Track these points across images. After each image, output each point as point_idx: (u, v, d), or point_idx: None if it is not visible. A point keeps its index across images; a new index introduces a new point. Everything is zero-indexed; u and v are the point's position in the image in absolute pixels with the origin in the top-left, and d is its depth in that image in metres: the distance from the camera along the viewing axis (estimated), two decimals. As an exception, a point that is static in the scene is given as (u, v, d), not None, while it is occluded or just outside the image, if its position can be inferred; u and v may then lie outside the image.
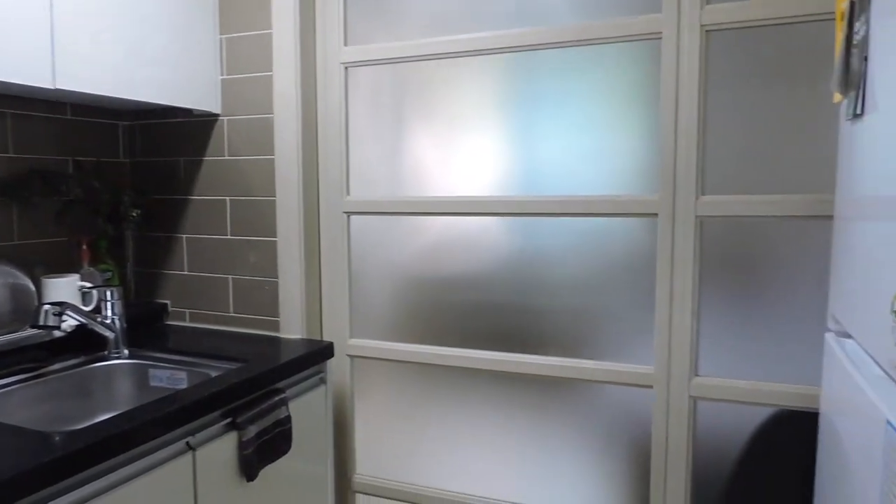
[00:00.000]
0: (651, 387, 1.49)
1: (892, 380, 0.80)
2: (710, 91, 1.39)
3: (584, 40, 1.48)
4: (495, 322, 1.65)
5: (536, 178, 1.58)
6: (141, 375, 1.63)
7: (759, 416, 1.44)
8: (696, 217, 1.41)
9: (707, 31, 1.37)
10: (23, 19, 1.29)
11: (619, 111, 1.48)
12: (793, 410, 1.40)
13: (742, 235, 1.41)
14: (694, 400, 1.46)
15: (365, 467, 1.85)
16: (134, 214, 1.83)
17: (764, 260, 1.40)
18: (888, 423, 0.77)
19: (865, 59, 0.96)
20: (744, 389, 1.41)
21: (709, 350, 1.46)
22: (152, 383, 1.62)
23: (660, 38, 1.41)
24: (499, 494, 1.69)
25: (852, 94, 1.01)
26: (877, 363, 0.89)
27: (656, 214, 1.45)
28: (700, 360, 1.46)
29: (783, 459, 1.43)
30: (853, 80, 1.00)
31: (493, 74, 1.60)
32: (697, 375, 1.46)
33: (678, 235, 1.43)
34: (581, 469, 1.60)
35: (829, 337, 1.18)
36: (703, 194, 1.41)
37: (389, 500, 1.82)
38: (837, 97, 1.12)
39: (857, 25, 1.01)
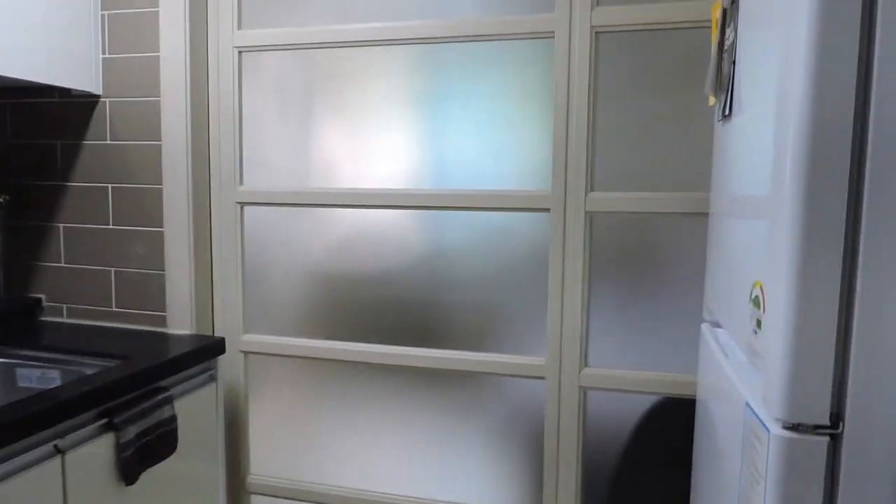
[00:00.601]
0: (543, 378, 1.52)
1: (752, 365, 0.86)
2: (599, 91, 1.44)
3: (481, 35, 1.50)
4: (397, 317, 1.64)
5: (440, 172, 1.58)
6: (7, 375, 1.50)
7: (644, 403, 1.51)
8: (586, 212, 1.46)
9: (597, 32, 1.41)
10: None
11: (520, 108, 1.51)
12: (675, 398, 1.47)
13: (629, 231, 1.47)
14: (584, 390, 1.51)
15: (260, 467, 1.79)
16: (2, 200, 1.68)
17: (650, 254, 1.46)
18: (747, 404, 0.82)
19: (734, 63, 1.02)
20: (630, 379, 1.47)
21: (598, 341, 1.51)
22: (20, 384, 1.50)
23: (553, 37, 1.44)
24: (397, 490, 1.68)
25: (722, 96, 1.07)
26: (741, 350, 0.95)
27: (549, 209, 1.48)
28: (589, 352, 1.51)
29: (667, 445, 1.50)
30: (723, 83, 1.06)
31: (400, 67, 1.59)
32: (587, 366, 1.51)
33: (569, 230, 1.47)
34: (478, 461, 1.62)
35: (704, 327, 1.25)
36: (593, 190, 1.46)
37: (287, 500, 1.78)
38: (712, 100, 1.18)
39: (727, 32, 1.07)
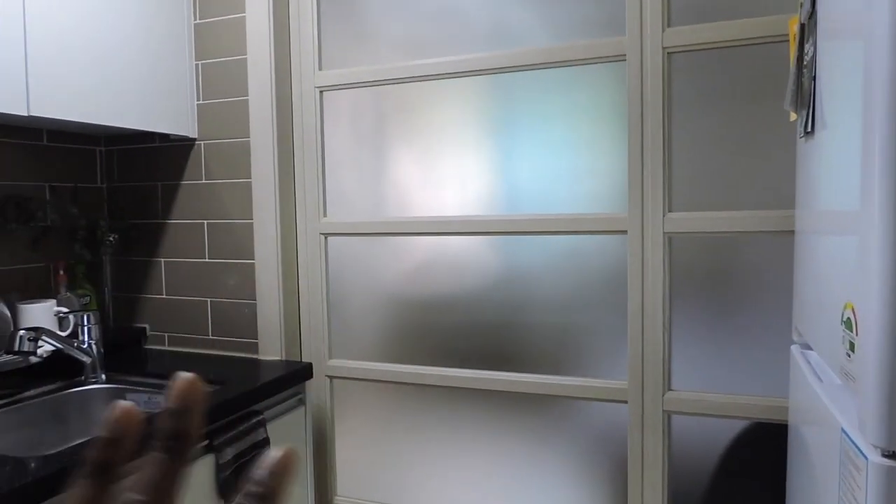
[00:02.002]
0: (626, 402, 1.51)
1: (847, 389, 0.83)
2: (674, 110, 1.43)
3: (552, 63, 1.52)
4: (476, 341, 1.67)
5: (512, 197, 1.61)
6: (118, 400, 1.62)
7: (733, 428, 1.46)
8: (665, 233, 1.44)
9: (669, 52, 1.41)
10: (-3, 48, 1.31)
11: (592, 130, 1.52)
12: (765, 422, 1.42)
13: (711, 251, 1.44)
14: (668, 414, 1.48)
15: (345, 489, 1.84)
16: (111, 239, 1.84)
17: (733, 274, 1.43)
18: (843, 431, 0.80)
19: (814, 78, 1.00)
20: (716, 403, 1.43)
21: (681, 364, 1.48)
22: (129, 408, 1.61)
23: (624, 60, 1.45)
24: (479, 513, 1.69)
25: (803, 112, 1.05)
26: (834, 373, 0.91)
27: (626, 231, 1.48)
28: (673, 375, 1.48)
29: (757, 471, 1.44)
30: (804, 98, 1.04)
31: (470, 95, 1.64)
32: (671, 390, 1.48)
33: (647, 252, 1.46)
34: (560, 485, 1.61)
35: (794, 349, 1.20)
36: (671, 211, 1.44)
37: (371, 522, 1.82)
38: (793, 116, 1.16)
39: (806, 47, 1.05)
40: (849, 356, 0.79)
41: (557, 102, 1.54)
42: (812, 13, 1.02)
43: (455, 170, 1.66)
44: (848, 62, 0.83)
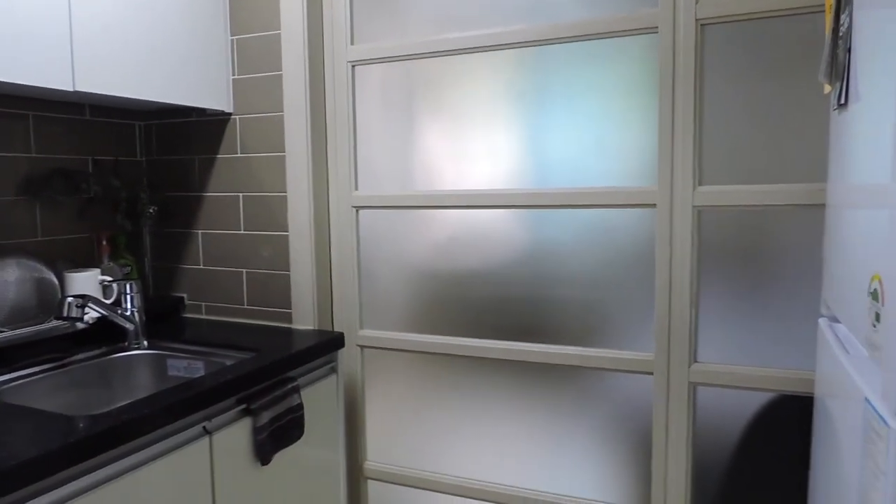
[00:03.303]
0: (651, 373, 1.53)
1: (872, 360, 0.84)
2: (706, 83, 1.42)
3: (584, 35, 1.52)
4: (504, 313, 1.70)
5: (541, 170, 1.62)
6: (159, 365, 1.70)
7: (758, 401, 1.47)
8: (694, 207, 1.44)
9: (702, 24, 1.40)
10: (43, 24, 1.36)
11: (622, 104, 1.52)
12: (791, 395, 1.43)
13: (741, 224, 1.44)
14: (693, 386, 1.50)
15: (376, 455, 1.90)
16: (151, 211, 1.90)
17: (762, 248, 1.43)
18: (866, 400, 0.81)
19: (849, 50, 0.99)
20: (742, 375, 1.44)
21: (708, 337, 1.49)
22: (170, 373, 1.69)
23: (656, 33, 1.44)
24: (507, 480, 1.74)
25: (837, 84, 1.04)
26: (860, 344, 0.92)
27: (655, 205, 1.48)
28: (699, 347, 1.49)
29: (783, 443, 1.46)
30: (838, 70, 1.03)
31: (500, 69, 1.64)
32: (697, 362, 1.49)
33: (676, 225, 1.46)
34: (586, 454, 1.65)
35: (822, 322, 1.21)
36: (701, 185, 1.45)
37: (400, 486, 1.88)
38: (827, 88, 1.15)
39: (842, 17, 1.04)
40: (874, 326, 0.80)
41: (588, 75, 1.55)
42: (848, -17, 1.01)
43: (484, 143, 1.67)
44: (884, 33, 0.82)
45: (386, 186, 1.80)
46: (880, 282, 0.78)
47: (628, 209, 1.52)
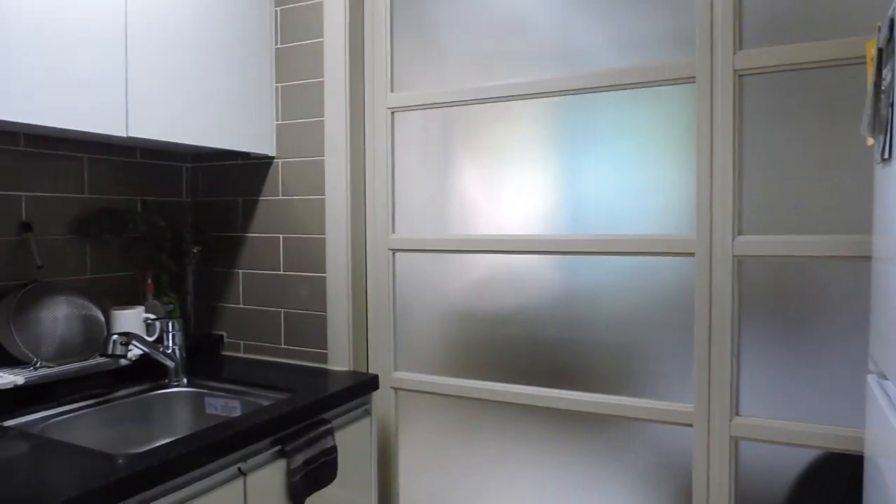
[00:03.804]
0: (691, 425, 1.49)
1: (923, 423, 0.80)
2: (745, 132, 1.42)
3: (620, 85, 1.53)
4: (538, 357, 1.69)
5: (577, 215, 1.63)
6: (198, 403, 1.72)
7: (804, 458, 1.42)
8: (734, 256, 1.42)
9: (740, 75, 1.40)
10: (101, 72, 1.43)
11: (661, 150, 1.52)
12: (839, 453, 1.37)
13: (783, 275, 1.41)
14: (735, 440, 1.45)
15: (408, 498, 1.89)
16: (195, 251, 1.95)
17: (805, 299, 1.40)
18: (918, 466, 0.78)
19: (892, 105, 0.98)
20: (787, 430, 1.40)
21: (750, 390, 1.45)
22: (208, 411, 1.71)
23: (694, 82, 1.45)
24: (539, 530, 1.70)
25: (881, 138, 1.03)
26: (911, 406, 0.89)
27: (693, 254, 1.47)
28: (741, 400, 1.45)
29: (831, 503, 1.40)
30: (881, 124, 1.02)
31: (536, 115, 1.67)
32: (738, 415, 1.45)
33: (716, 274, 1.44)
34: (621, 507, 1.60)
35: (871, 379, 1.17)
36: (741, 234, 1.43)
37: (432, 533, 1.85)
38: (870, 140, 1.13)
39: (884, 72, 1.03)
40: (925, 390, 0.77)
41: (626, 120, 1.55)
42: (890, 38, 1.00)
43: (521, 188, 1.69)
44: (928, 89, 0.81)
45: (423, 229, 1.82)
46: (930, 344, 0.75)
47: (667, 257, 1.51)
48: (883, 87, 1.03)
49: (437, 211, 1.80)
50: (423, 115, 1.81)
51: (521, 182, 1.68)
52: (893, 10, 1.03)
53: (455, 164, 1.77)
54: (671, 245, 1.49)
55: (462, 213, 1.77)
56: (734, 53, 1.40)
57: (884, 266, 1.10)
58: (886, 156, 1.01)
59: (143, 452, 1.19)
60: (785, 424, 1.40)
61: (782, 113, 1.39)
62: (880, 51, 1.05)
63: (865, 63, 1.28)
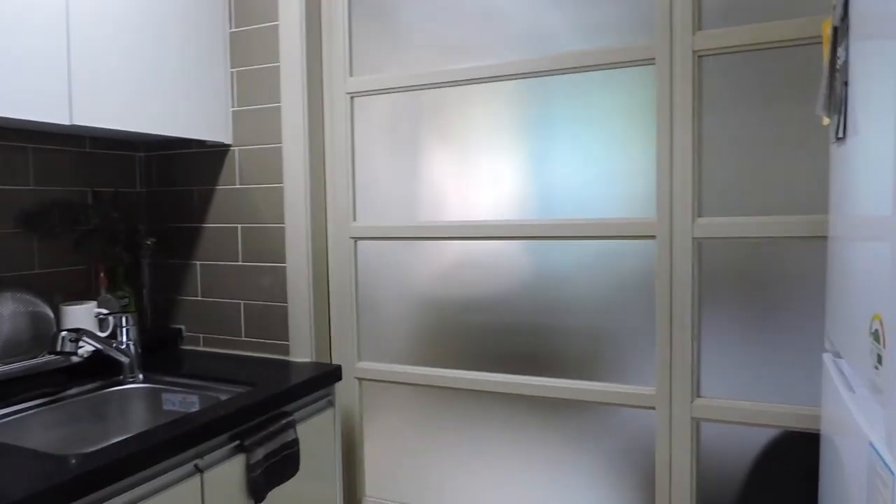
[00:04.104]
0: (653, 408, 1.49)
1: (876, 402, 0.81)
2: (704, 114, 1.41)
3: (581, 67, 1.52)
4: (502, 344, 1.67)
5: (544, 201, 1.61)
6: (154, 399, 1.67)
7: (764, 437, 1.43)
8: (694, 239, 1.42)
9: (699, 55, 1.40)
10: (41, 58, 1.36)
11: (624, 133, 1.51)
12: (797, 432, 1.39)
13: (742, 256, 1.42)
14: (696, 421, 1.46)
15: (374, 489, 1.87)
16: (149, 242, 1.89)
17: (765, 280, 1.40)
18: (871, 444, 0.78)
19: (846, 83, 0.98)
20: (747, 411, 1.41)
21: (711, 371, 1.46)
22: (165, 407, 1.66)
23: (654, 64, 1.44)
24: (506, 517, 1.70)
25: (836, 117, 1.03)
26: (863, 385, 0.89)
27: (654, 237, 1.46)
28: (702, 382, 1.46)
29: (789, 481, 1.42)
30: (836, 104, 1.02)
31: (501, 100, 1.64)
32: (700, 397, 1.46)
33: (676, 257, 1.44)
34: (589, 490, 1.61)
35: (826, 357, 1.18)
36: (700, 216, 1.43)
37: (400, 523, 1.84)
38: (826, 120, 1.13)
39: (839, 51, 1.03)
40: (877, 368, 0.77)
41: (590, 104, 1.54)
42: (844, 16, 1.00)
43: (485, 172, 1.66)
44: (882, 66, 0.81)
45: (388, 216, 1.79)
46: (881, 322, 0.75)
47: (629, 241, 1.51)
48: (838, 66, 1.03)
49: (403, 197, 1.77)
50: (387, 99, 1.77)
51: (487, 167, 1.66)
52: (846, -12, 1.03)
53: (419, 149, 1.74)
54: (632, 228, 1.49)
55: (428, 199, 1.74)
56: (693, 34, 1.39)
57: (838, 245, 1.11)
58: (841, 135, 1.01)
59: (93, 452, 1.14)
60: (745, 405, 1.41)
61: (742, 94, 1.39)
62: (835, 29, 1.05)
63: (821, 43, 1.29)
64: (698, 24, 1.40)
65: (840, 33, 1.03)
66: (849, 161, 1.00)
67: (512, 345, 1.66)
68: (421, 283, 1.77)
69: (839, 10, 1.01)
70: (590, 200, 1.55)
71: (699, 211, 1.43)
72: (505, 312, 1.67)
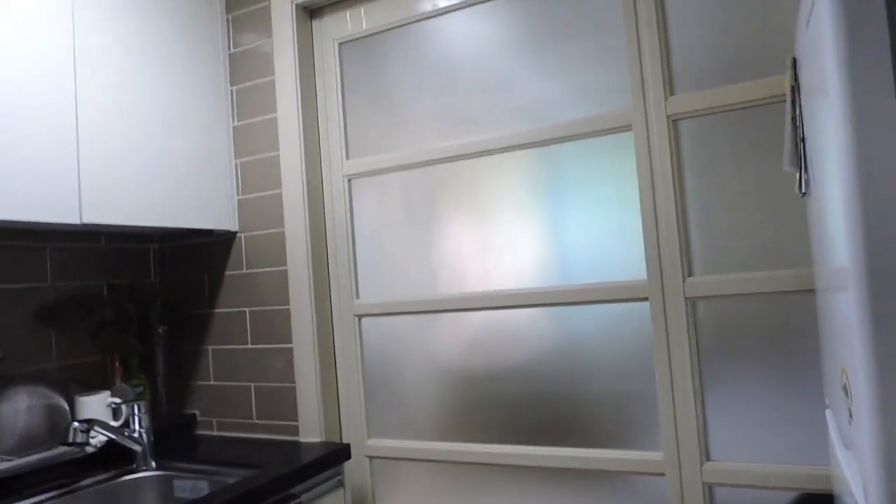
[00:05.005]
0: (663, 474, 1.45)
1: (853, 456, 0.79)
2: (685, 175, 1.44)
3: (566, 137, 1.57)
4: (509, 413, 1.66)
5: (540, 267, 1.63)
6: (166, 487, 1.68)
7: (781, 499, 1.38)
8: (686, 298, 1.42)
9: (674, 120, 1.43)
10: (52, 162, 1.46)
11: (615, 198, 1.53)
12: (814, 493, 1.33)
13: (740, 313, 1.40)
14: (708, 486, 1.41)
15: (390, 573, 1.82)
16: (161, 330, 1.95)
17: (764, 337, 1.38)
18: (854, 498, 0.76)
19: (803, 140, 1.00)
20: (760, 473, 1.36)
21: (720, 433, 1.42)
22: (177, 494, 1.67)
23: (631, 131, 1.48)
24: None
25: (797, 173, 1.04)
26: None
27: (647, 298, 1.46)
28: (711, 444, 1.42)
29: (815, 547, 1.35)
30: (797, 159, 1.04)
31: (495, 171, 1.69)
32: (709, 460, 1.42)
33: (670, 318, 1.43)
34: (605, 566, 1.54)
35: (828, 413, 1.15)
36: (691, 275, 1.43)
37: None
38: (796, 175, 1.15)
39: (797, 108, 1.05)
40: (849, 423, 0.76)
41: (580, 171, 1.58)
42: (794, 75, 1.03)
43: (481, 242, 1.70)
44: (826, 123, 0.83)
45: (390, 292, 1.82)
46: (846, 375, 0.75)
47: (624, 304, 1.51)
48: (797, 123, 1.06)
49: (406, 272, 1.81)
50: (390, 176, 1.84)
51: (486, 238, 1.70)
52: (795, 48, 1.07)
53: (423, 224, 1.79)
54: (624, 292, 1.49)
55: (427, 273, 1.78)
56: (665, 99, 1.44)
57: (820, 297, 1.10)
58: (804, 190, 1.02)
59: (92, 543, 1.15)
60: (757, 467, 1.37)
61: (719, 153, 1.41)
62: (793, 87, 1.08)
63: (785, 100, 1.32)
64: (670, 90, 1.44)
65: (796, 90, 1.06)
66: (815, 215, 1.01)
67: (518, 414, 1.64)
68: (427, 356, 1.78)
69: (790, 68, 1.04)
70: (583, 265, 1.56)
71: (689, 270, 1.43)
72: (509, 381, 1.66)
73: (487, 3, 1.68)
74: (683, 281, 1.42)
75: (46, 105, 1.46)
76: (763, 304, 1.37)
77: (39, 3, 1.47)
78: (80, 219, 1.51)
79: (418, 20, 1.78)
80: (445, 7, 1.73)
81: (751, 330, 1.39)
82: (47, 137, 1.46)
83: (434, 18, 1.76)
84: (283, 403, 1.86)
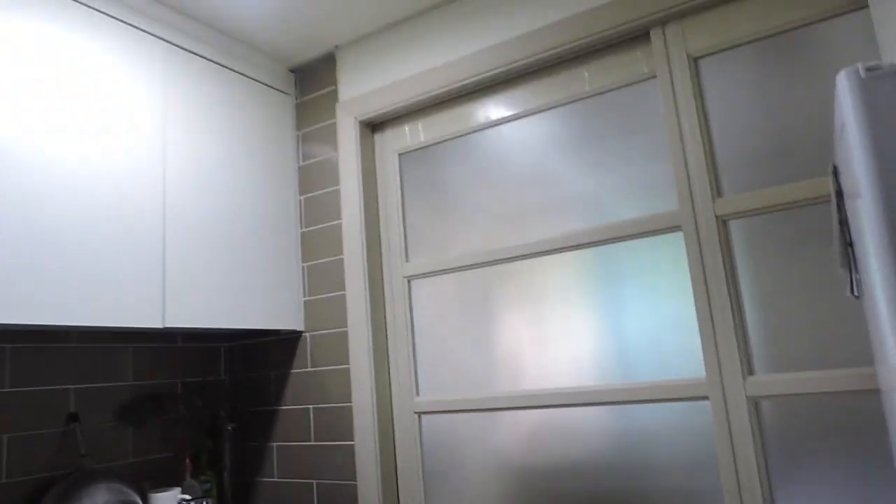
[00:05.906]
0: (736, 585, 1.38)
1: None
2: (738, 274, 1.45)
3: (618, 238, 1.62)
4: (567, 517, 1.63)
5: (590, 363, 1.64)
6: (229, 587, 1.70)
7: None
8: (748, 398, 1.40)
9: (723, 220, 1.47)
10: (141, 275, 1.60)
11: (672, 294, 1.55)
12: None
13: (803, 413, 1.37)
14: None
15: None
16: (229, 428, 2.03)
17: (837, 436, 1.34)
18: None
19: (851, 245, 1.02)
20: (840, 585, 1.29)
21: (795, 540, 1.36)
22: None
23: (681, 231, 1.52)
24: None
25: (847, 276, 1.06)
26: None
27: (707, 397, 1.45)
28: (785, 553, 1.36)
29: None
30: (845, 262, 1.06)
31: (547, 267, 1.75)
32: (785, 570, 1.35)
33: (733, 417, 1.41)
34: None
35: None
36: (752, 374, 1.42)
37: None
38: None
39: (843, 211, 1.08)
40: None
41: (632, 266, 1.61)
42: (836, 181, 1.07)
43: (537, 337, 1.73)
44: (863, 224, 0.86)
45: (452, 388, 1.86)
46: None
47: (683, 403, 1.50)
48: (844, 227, 1.08)
49: (464, 369, 1.85)
50: (446, 276, 1.91)
51: (542, 333, 1.73)
52: (834, 156, 1.11)
53: (480, 320, 1.85)
54: (682, 390, 1.48)
55: (487, 369, 1.81)
56: (713, 201, 1.48)
57: (887, 398, 1.08)
58: (857, 293, 1.03)
59: None
60: (837, 579, 1.29)
61: (773, 250, 1.43)
62: (837, 192, 1.11)
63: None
64: (718, 191, 1.49)
65: (839, 196, 1.09)
66: (870, 315, 1.02)
67: (579, 517, 1.61)
68: (488, 452, 1.78)
69: (832, 175, 1.08)
70: (642, 363, 1.57)
71: (750, 368, 1.42)
72: (571, 479, 1.64)
73: (539, 114, 1.80)
74: (744, 379, 1.41)
75: (138, 228, 1.62)
76: (829, 403, 1.34)
77: (135, 134, 1.67)
78: (163, 323, 1.63)
79: (473, 132, 1.90)
80: (498, 119, 1.85)
81: (817, 430, 1.35)
82: (138, 255, 1.61)
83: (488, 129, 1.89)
84: (344, 501, 1.87)
